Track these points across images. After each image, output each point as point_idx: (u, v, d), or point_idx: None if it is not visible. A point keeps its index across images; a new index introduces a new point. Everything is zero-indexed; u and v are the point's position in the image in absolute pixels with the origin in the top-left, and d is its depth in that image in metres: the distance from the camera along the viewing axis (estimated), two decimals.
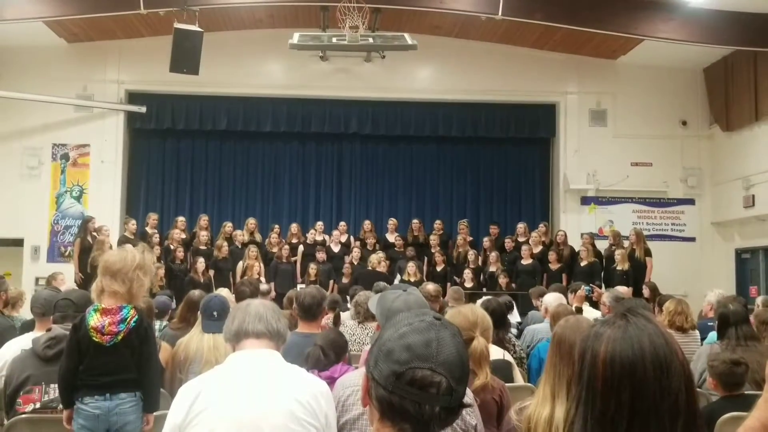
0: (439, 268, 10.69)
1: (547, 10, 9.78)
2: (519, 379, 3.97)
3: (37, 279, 10.72)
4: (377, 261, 10.00)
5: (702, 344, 5.08)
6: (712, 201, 12.02)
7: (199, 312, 4.13)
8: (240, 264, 10.31)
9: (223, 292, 5.27)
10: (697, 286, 10.26)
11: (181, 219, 10.96)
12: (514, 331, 5.81)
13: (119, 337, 3.17)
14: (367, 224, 11.47)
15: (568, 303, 6.03)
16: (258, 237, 11.03)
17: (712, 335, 4.82)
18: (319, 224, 11.37)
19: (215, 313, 3.93)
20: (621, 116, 12.18)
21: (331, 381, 2.63)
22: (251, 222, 11.14)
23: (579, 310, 5.93)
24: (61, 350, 3.32)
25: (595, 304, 7.91)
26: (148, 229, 10.74)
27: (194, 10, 9.46)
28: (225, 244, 10.49)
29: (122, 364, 3.20)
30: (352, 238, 11.31)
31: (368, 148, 12.75)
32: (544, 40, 11.62)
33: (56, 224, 11.52)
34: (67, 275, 8.88)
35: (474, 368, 2.76)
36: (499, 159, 12.81)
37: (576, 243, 10.89)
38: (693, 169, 12.16)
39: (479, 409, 2.51)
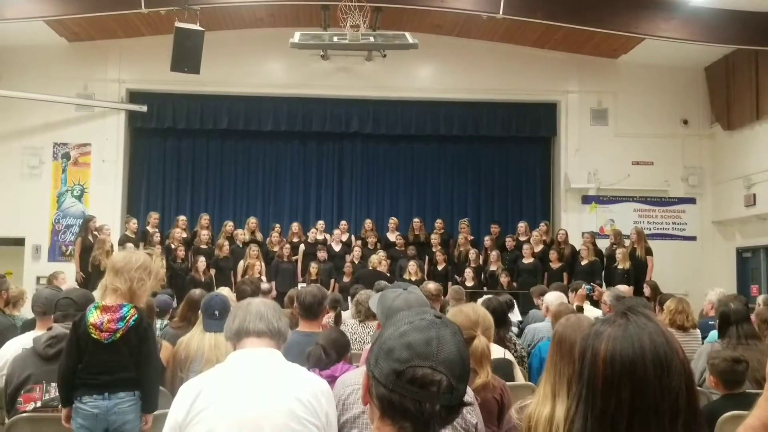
0: (440, 267, 10.69)
1: (548, 9, 9.78)
2: (520, 377, 3.97)
3: (38, 278, 10.73)
4: (378, 261, 10.02)
5: (703, 343, 5.08)
6: (713, 200, 12.01)
7: (200, 311, 4.13)
8: (241, 263, 10.33)
9: (224, 291, 5.28)
10: (698, 285, 10.25)
11: (182, 218, 10.97)
12: (514, 329, 5.80)
13: (117, 335, 3.17)
14: (368, 223, 11.47)
15: (568, 302, 6.03)
16: (259, 236, 11.04)
17: (713, 334, 4.82)
18: (320, 223, 11.37)
19: (216, 312, 3.93)
20: (622, 115, 12.17)
21: (332, 380, 2.63)
22: (252, 221, 11.15)
23: (580, 309, 5.93)
24: (61, 349, 3.32)
25: (596, 303, 7.91)
26: (149, 228, 10.75)
27: (195, 9, 9.47)
28: (226, 243, 10.50)
29: (121, 363, 3.20)
30: (353, 237, 11.31)
31: (369, 147, 12.75)
32: (545, 39, 11.61)
33: (57, 223, 11.53)
34: (68, 274, 8.88)
35: (475, 367, 2.76)
36: (500, 158, 12.81)
37: (577, 242, 10.89)
38: (694, 168, 12.15)
39: (480, 407, 2.51)
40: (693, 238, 12.09)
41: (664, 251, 11.21)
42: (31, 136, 11.56)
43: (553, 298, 5.71)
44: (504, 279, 10.15)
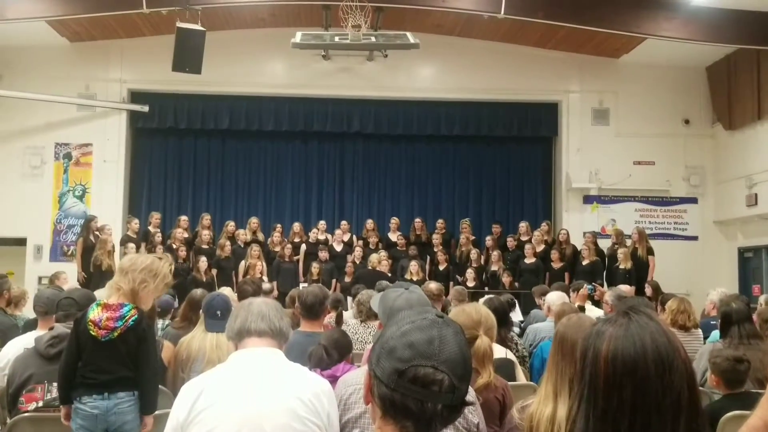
0: (441, 267, 10.69)
1: (549, 9, 9.77)
2: (521, 377, 3.96)
3: (39, 278, 10.75)
4: (377, 260, 10.00)
5: (704, 343, 5.07)
6: (715, 200, 12.00)
7: (201, 311, 4.13)
8: (242, 263, 10.33)
9: (226, 291, 5.28)
10: (700, 285, 10.24)
11: (183, 218, 10.97)
12: (516, 329, 5.81)
13: (115, 334, 3.16)
14: (369, 223, 11.47)
15: (570, 302, 6.03)
16: (260, 236, 11.04)
17: (715, 334, 4.82)
18: (322, 223, 11.38)
19: (218, 312, 3.92)
20: (623, 115, 12.16)
21: (333, 380, 2.63)
22: (254, 221, 11.15)
23: (581, 309, 5.93)
24: (63, 349, 3.32)
25: (597, 303, 7.92)
26: (150, 228, 10.75)
27: (196, 9, 9.48)
28: (227, 243, 10.51)
29: (118, 361, 3.18)
30: (354, 237, 11.31)
31: (370, 147, 12.75)
32: (546, 39, 11.61)
33: (59, 223, 11.55)
34: (70, 274, 8.89)
35: (477, 367, 2.75)
36: (502, 158, 12.80)
37: (578, 242, 10.88)
38: (695, 168, 12.14)
39: (482, 407, 2.50)
40: (694, 238, 12.08)
41: (666, 251, 11.20)
42: (33, 136, 11.57)
43: (554, 298, 5.71)
44: (506, 279, 10.15)
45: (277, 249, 10.76)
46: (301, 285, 9.47)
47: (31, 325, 4.72)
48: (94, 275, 9.52)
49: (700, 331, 5.46)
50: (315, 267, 10.29)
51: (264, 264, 10.33)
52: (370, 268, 9.92)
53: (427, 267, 10.75)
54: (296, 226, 11.21)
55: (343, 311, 5.73)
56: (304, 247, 10.92)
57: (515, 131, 12.45)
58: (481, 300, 5.42)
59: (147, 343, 3.26)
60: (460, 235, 11.38)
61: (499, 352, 3.84)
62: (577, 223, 11.87)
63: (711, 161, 12.12)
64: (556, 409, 2.06)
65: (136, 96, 12.03)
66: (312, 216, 12.26)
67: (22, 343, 3.86)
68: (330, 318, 5.07)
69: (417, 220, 11.61)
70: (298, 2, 10.56)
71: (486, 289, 9.97)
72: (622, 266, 10.07)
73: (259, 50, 11.83)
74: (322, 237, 11.10)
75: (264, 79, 12.02)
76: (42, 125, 11.56)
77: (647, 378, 1.21)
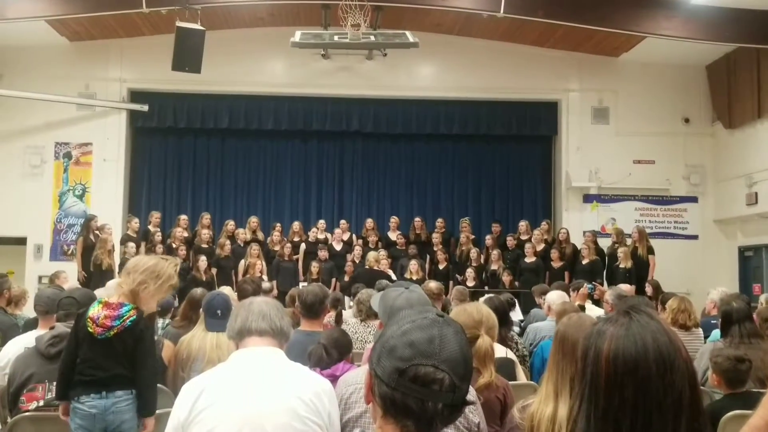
0: (441, 267, 10.69)
1: (548, 8, 9.77)
2: (522, 377, 3.96)
3: (40, 277, 10.75)
4: (374, 259, 9.95)
5: (705, 342, 5.07)
6: (715, 198, 12.00)
7: (201, 310, 4.13)
8: (242, 262, 10.34)
9: (226, 290, 5.28)
10: (700, 284, 10.25)
11: (183, 217, 10.96)
12: (516, 329, 5.81)
13: (111, 333, 3.15)
14: (369, 222, 11.47)
15: (570, 301, 6.03)
16: (260, 235, 11.04)
17: (716, 333, 4.82)
18: (321, 222, 11.38)
19: (219, 312, 3.92)
20: (623, 114, 12.16)
21: (332, 379, 2.63)
22: (253, 220, 11.15)
23: (582, 308, 5.93)
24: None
25: (597, 302, 7.92)
26: (150, 227, 10.75)
27: (196, 9, 9.48)
28: (227, 242, 10.51)
29: (115, 359, 3.17)
30: (354, 237, 11.31)
31: (370, 146, 12.75)
32: (545, 38, 11.60)
33: (59, 223, 11.55)
34: (70, 274, 8.88)
35: (479, 367, 2.75)
36: (501, 157, 12.80)
37: (578, 241, 10.88)
38: (695, 167, 12.14)
39: (483, 407, 2.50)
40: (695, 237, 12.08)
41: (666, 250, 11.20)
42: (33, 135, 11.57)
43: (555, 297, 5.71)
44: (506, 278, 10.14)
45: (277, 248, 10.76)
46: (301, 284, 9.48)
47: (31, 325, 4.73)
48: (94, 274, 9.52)
49: (700, 330, 5.46)
50: (314, 266, 10.29)
51: (263, 263, 10.34)
52: (367, 267, 9.92)
53: (427, 266, 10.75)
54: (296, 225, 11.21)
55: (342, 310, 5.74)
56: (303, 246, 10.92)
57: (515, 130, 12.44)
58: (481, 299, 5.42)
59: (144, 344, 3.24)
60: (459, 234, 11.38)
61: (500, 351, 3.84)
62: (576, 222, 11.87)
63: (711, 160, 12.12)
64: (557, 409, 2.06)
65: (135, 95, 12.02)
66: (311, 215, 12.26)
67: (22, 343, 3.87)
68: (330, 317, 5.07)
69: (417, 219, 11.61)
70: (297, 1, 10.56)
71: (486, 288, 9.97)
72: (622, 265, 10.07)
73: (258, 49, 11.83)
74: (321, 236, 11.10)
75: (263, 79, 12.01)
76: (42, 125, 11.56)
77: (648, 377, 1.20)
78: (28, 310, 5.92)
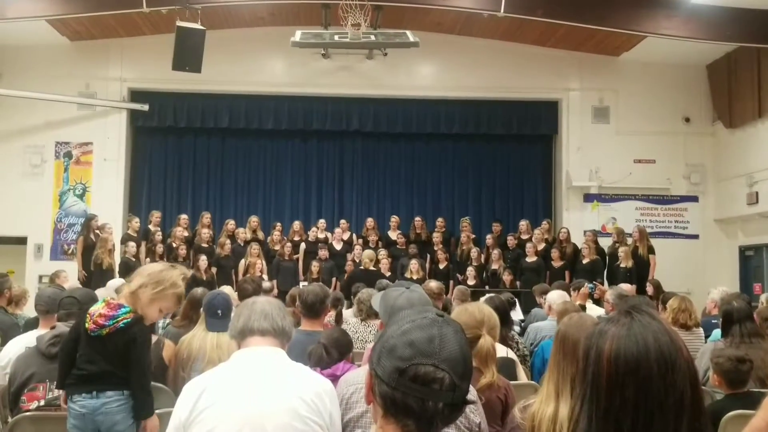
0: (441, 266, 10.69)
1: (549, 7, 9.77)
2: (522, 376, 3.96)
3: (40, 277, 10.76)
4: (369, 260, 9.87)
5: (706, 342, 5.07)
6: (716, 198, 11.99)
7: (201, 310, 4.12)
8: (242, 262, 10.34)
9: (226, 289, 5.28)
10: (701, 284, 10.25)
11: (183, 217, 10.96)
12: (516, 328, 5.81)
13: (103, 332, 3.14)
14: (369, 222, 11.46)
15: (570, 300, 6.03)
16: (260, 235, 11.04)
17: (716, 333, 4.82)
18: (321, 222, 11.38)
19: (219, 312, 3.91)
20: (623, 113, 12.15)
21: (333, 379, 2.63)
22: (253, 220, 11.15)
23: (582, 308, 5.93)
24: None
25: (598, 302, 7.92)
26: (150, 227, 10.75)
27: (196, 8, 9.48)
28: (227, 241, 10.51)
29: (105, 357, 3.16)
30: (354, 236, 11.31)
31: (370, 146, 12.75)
32: (546, 37, 11.60)
33: (59, 222, 11.55)
34: (71, 273, 8.89)
35: (480, 367, 2.75)
36: (502, 156, 12.80)
37: (579, 240, 10.88)
38: (696, 166, 12.14)
39: (484, 407, 2.50)
40: (695, 237, 12.07)
41: (667, 249, 11.20)
42: (33, 135, 11.57)
43: (555, 296, 5.71)
44: (506, 277, 10.14)
45: (277, 247, 10.76)
46: (301, 284, 9.47)
47: (32, 324, 4.72)
48: (95, 274, 9.52)
49: (701, 329, 5.46)
50: (315, 266, 10.28)
51: (264, 262, 10.33)
52: (362, 268, 9.81)
53: (428, 266, 10.74)
54: (296, 225, 11.21)
55: (343, 310, 5.74)
56: (303, 245, 10.92)
57: (515, 129, 12.44)
58: (482, 299, 5.42)
59: (136, 347, 3.19)
60: (460, 233, 11.38)
61: (500, 351, 3.84)
62: (577, 222, 11.87)
63: (711, 159, 12.11)
64: (558, 409, 2.06)
65: (136, 95, 12.02)
66: (312, 214, 12.26)
67: (23, 342, 3.87)
68: (330, 317, 5.07)
69: (417, 218, 11.61)
70: (297, 1, 10.57)
71: (486, 287, 9.96)
72: (623, 265, 10.06)
73: (258, 49, 11.83)
74: (321, 235, 11.10)
75: (263, 78, 12.01)
76: (42, 124, 11.56)
77: (650, 377, 1.20)
78: (28, 310, 5.92)
